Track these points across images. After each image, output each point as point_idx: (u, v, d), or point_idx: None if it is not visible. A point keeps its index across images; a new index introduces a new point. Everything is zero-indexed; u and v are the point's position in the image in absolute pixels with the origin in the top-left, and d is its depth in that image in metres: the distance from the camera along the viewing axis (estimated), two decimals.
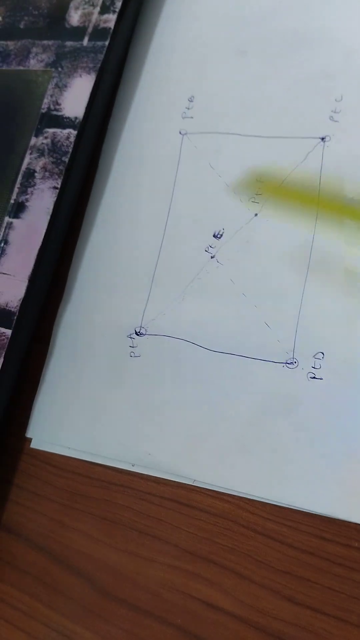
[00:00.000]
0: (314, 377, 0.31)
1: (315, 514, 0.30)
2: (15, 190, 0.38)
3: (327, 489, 0.30)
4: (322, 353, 0.32)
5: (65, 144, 0.38)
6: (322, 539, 0.30)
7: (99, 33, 0.39)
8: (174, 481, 0.33)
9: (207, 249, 0.36)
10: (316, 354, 0.32)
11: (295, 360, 0.32)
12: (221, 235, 0.36)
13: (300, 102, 0.36)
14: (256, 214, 0.35)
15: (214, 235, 0.36)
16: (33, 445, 0.37)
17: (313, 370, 0.32)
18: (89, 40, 0.39)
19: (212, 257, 0.36)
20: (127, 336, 0.36)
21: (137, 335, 0.36)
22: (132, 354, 0.36)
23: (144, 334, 0.36)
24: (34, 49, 0.41)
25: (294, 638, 0.29)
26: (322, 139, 0.35)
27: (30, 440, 0.38)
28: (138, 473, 0.34)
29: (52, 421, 0.37)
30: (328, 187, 0.34)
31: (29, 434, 0.38)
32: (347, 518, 0.29)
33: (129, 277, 0.37)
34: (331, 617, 0.29)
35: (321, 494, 0.30)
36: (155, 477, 0.34)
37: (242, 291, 0.34)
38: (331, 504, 0.30)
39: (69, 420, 0.37)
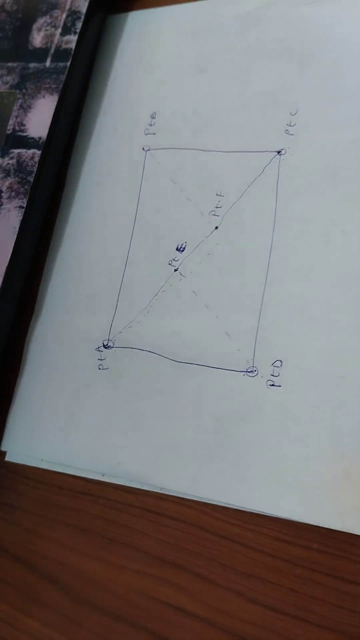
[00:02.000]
0: (273, 385, 0.32)
1: (276, 518, 0.31)
2: None
3: (287, 493, 0.31)
4: (281, 361, 0.33)
5: (30, 164, 0.39)
6: (284, 541, 0.31)
7: (60, 54, 0.40)
8: (142, 490, 0.34)
9: (170, 262, 0.37)
10: (274, 362, 0.33)
11: (255, 368, 0.33)
12: (184, 248, 0.37)
13: (257, 116, 0.37)
14: (216, 227, 0.36)
15: (177, 249, 0.37)
16: (7, 458, 0.38)
17: (272, 377, 0.33)
18: (52, 61, 0.40)
19: (175, 270, 0.37)
20: (96, 349, 0.37)
21: (105, 348, 0.37)
22: (100, 366, 0.37)
23: (112, 347, 0.37)
24: None
25: (257, 638, 0.30)
26: (279, 152, 0.36)
27: (4, 453, 0.39)
28: (108, 482, 0.35)
29: (26, 434, 0.38)
30: (284, 199, 0.35)
31: (3, 447, 0.39)
32: (306, 521, 0.30)
33: (96, 291, 0.39)
34: (293, 617, 0.30)
35: (281, 498, 0.31)
36: (125, 486, 0.35)
37: (204, 303, 0.35)
38: (291, 508, 0.31)
39: (42, 432, 0.38)
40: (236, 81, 0.38)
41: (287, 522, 0.31)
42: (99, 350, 0.37)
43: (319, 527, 0.30)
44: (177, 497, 0.34)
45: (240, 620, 0.31)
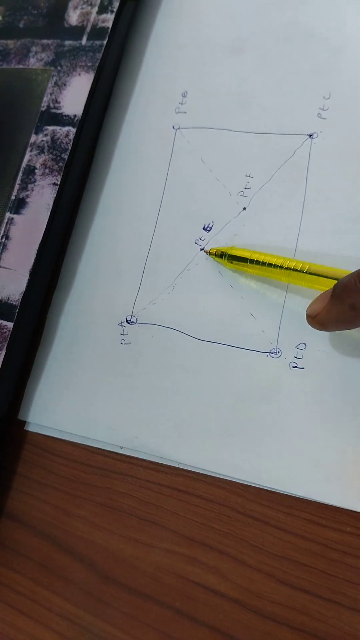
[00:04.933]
0: (296, 367, 0.32)
1: (309, 501, 0.31)
2: (16, 186, 0.39)
3: (305, 472, 0.31)
4: (304, 344, 0.32)
5: (64, 142, 0.39)
6: (316, 524, 0.31)
7: (97, 32, 0.40)
8: (173, 468, 0.34)
9: (197, 241, 0.37)
10: (298, 345, 0.33)
11: (278, 350, 0.33)
12: (211, 228, 0.36)
13: (290, 99, 0.36)
14: (244, 208, 0.36)
15: (203, 228, 0.37)
16: (27, 427, 0.39)
17: (295, 360, 0.33)
18: (88, 39, 0.40)
19: (201, 249, 0.36)
20: (119, 324, 0.37)
21: (128, 323, 0.37)
22: (122, 341, 0.37)
23: (135, 323, 0.37)
24: (34, 48, 0.42)
25: (288, 620, 0.30)
26: (310, 135, 0.35)
27: (26, 424, 0.39)
28: (138, 461, 0.35)
29: (44, 405, 0.38)
30: (314, 182, 0.35)
31: (23, 418, 0.39)
32: (334, 503, 0.30)
33: (121, 267, 0.38)
34: (325, 600, 0.30)
35: (298, 478, 0.31)
36: (155, 465, 0.35)
37: (229, 283, 0.35)
38: (307, 487, 0.31)
39: (61, 404, 0.38)
40: (270, 63, 0.38)
41: (320, 505, 0.31)
42: (121, 325, 0.37)
43: (352, 510, 0.30)
44: (207, 477, 0.33)
45: (270, 602, 0.31)
